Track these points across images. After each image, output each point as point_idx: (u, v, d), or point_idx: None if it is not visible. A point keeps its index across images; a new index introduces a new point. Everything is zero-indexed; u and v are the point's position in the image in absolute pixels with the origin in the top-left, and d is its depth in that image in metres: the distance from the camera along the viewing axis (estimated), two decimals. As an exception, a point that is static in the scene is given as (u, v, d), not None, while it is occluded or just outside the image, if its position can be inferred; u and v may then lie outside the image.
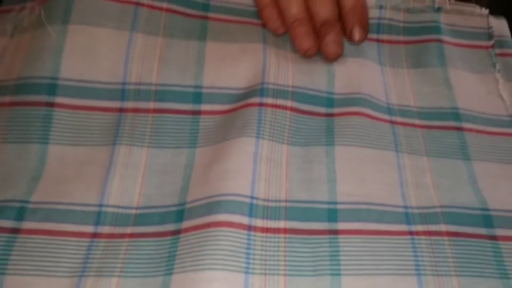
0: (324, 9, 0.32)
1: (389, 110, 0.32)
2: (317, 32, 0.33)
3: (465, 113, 0.33)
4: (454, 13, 0.38)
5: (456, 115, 0.33)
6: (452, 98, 0.34)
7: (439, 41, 0.36)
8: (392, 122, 0.32)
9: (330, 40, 0.32)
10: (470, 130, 0.32)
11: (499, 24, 0.38)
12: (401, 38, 0.37)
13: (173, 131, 0.30)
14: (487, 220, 0.27)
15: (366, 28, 0.33)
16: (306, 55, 0.33)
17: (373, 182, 0.28)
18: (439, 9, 0.38)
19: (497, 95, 0.35)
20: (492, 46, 0.37)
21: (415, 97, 0.34)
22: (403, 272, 0.25)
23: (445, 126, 0.32)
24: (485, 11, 0.39)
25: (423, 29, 0.37)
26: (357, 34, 0.33)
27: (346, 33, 0.33)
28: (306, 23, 0.33)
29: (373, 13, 0.36)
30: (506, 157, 0.31)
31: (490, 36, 0.37)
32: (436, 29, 0.37)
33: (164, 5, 0.33)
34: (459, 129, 0.32)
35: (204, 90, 0.31)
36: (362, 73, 0.33)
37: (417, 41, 0.36)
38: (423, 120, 0.32)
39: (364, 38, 0.33)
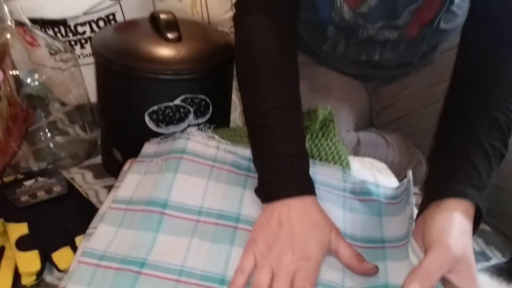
0: None
1: (344, 236, 0.57)
2: None
3: (388, 238, 0.57)
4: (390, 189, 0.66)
5: (382, 240, 0.57)
6: (381, 231, 0.59)
7: (378, 201, 0.63)
8: None
9: None
10: (390, 247, 0.56)
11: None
12: (358, 197, 0.64)
13: (222, 235, 0.56)
14: None
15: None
16: None
17: (325, 271, 0.52)
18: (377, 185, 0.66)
19: (407, 222, 0.56)
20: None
21: (361, 229, 0.59)
22: None
23: (374, 247, 0.57)
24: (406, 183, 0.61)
25: (369, 193, 0.64)
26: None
27: None
28: None
29: (339, 184, 0.64)
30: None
31: (408, 193, 0.60)
32: (377, 194, 0.64)
33: (226, 167, 0.62)
34: (383, 247, 0.56)
35: (241, 217, 0.58)
36: (328, 212, 0.58)
37: (366, 199, 0.63)
38: (361, 243, 0.57)
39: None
